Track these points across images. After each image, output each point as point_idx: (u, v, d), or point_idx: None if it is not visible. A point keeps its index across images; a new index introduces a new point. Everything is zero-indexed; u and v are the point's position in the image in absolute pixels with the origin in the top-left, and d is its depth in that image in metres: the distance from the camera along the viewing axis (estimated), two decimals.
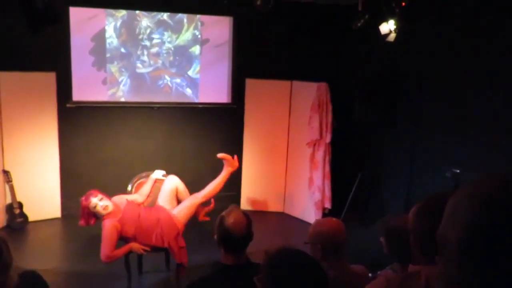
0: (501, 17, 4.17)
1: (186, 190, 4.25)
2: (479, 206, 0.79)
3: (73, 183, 5.88)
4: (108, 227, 3.71)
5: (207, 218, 4.26)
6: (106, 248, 3.65)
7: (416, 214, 1.46)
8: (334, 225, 2.37)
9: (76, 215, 3.84)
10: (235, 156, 4.42)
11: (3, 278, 1.83)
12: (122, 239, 3.82)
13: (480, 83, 4.38)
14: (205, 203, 4.24)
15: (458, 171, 4.14)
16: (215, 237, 2.29)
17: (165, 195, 4.12)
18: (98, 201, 3.77)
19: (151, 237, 3.85)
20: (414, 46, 5.15)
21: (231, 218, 2.25)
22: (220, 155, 4.36)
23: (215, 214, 2.52)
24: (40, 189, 5.57)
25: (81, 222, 3.84)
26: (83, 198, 3.83)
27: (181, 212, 4.03)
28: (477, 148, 4.36)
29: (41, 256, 4.70)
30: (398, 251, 2.28)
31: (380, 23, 5.14)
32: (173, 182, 4.18)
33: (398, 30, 5.07)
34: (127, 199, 4.00)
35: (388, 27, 5.12)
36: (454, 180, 4.08)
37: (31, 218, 5.47)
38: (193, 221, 4.22)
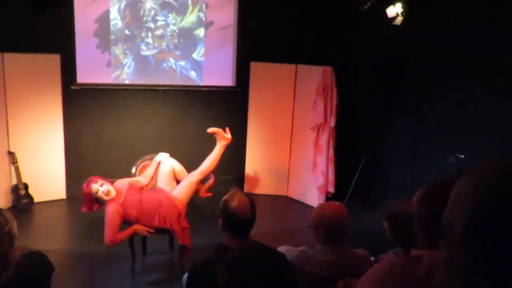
0: None
1: (183, 170, 4.25)
2: (483, 190, 0.79)
3: (77, 165, 5.91)
4: (110, 212, 3.73)
5: (209, 194, 4.29)
6: (109, 233, 3.68)
7: (420, 199, 1.46)
8: (337, 209, 2.38)
9: (81, 197, 3.86)
10: (227, 129, 4.37)
11: (6, 249, 1.85)
12: (125, 222, 3.84)
13: (486, 70, 4.34)
14: (204, 180, 4.25)
15: (462, 156, 4.13)
16: (220, 221, 2.30)
17: (163, 177, 4.13)
18: (99, 187, 3.78)
19: (153, 219, 3.87)
20: (421, 31, 5.10)
21: (235, 201, 2.26)
22: (210, 129, 4.32)
23: (218, 196, 2.52)
24: (45, 171, 5.60)
25: (84, 209, 3.85)
26: (84, 185, 3.82)
27: (180, 192, 4.03)
28: (482, 133, 4.34)
29: (46, 237, 4.75)
30: (401, 236, 2.29)
31: (387, 6, 5.08)
32: (168, 164, 4.19)
33: (405, 14, 5.01)
34: (129, 182, 4.02)
35: (395, 10, 5.06)
36: (458, 166, 4.07)
37: (37, 199, 5.52)
38: (196, 204, 4.24)
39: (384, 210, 2.42)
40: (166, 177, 4.12)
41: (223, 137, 4.31)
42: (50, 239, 4.73)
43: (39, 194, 5.54)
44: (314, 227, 2.35)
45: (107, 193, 3.79)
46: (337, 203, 2.51)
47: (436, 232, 0.88)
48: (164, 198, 3.95)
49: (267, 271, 1.53)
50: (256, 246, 1.62)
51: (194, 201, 4.23)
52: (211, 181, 4.27)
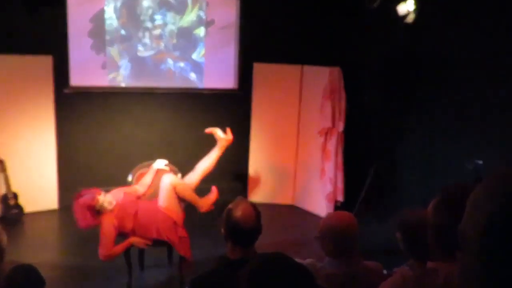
0: None
1: (185, 186, 4.13)
2: (501, 199, 0.79)
3: (70, 173, 5.92)
4: (105, 224, 3.72)
5: (211, 207, 4.24)
6: (104, 247, 3.67)
7: (435, 208, 1.46)
8: (346, 218, 2.38)
9: (75, 209, 3.85)
10: (228, 129, 4.34)
11: None
12: (121, 234, 3.84)
13: (505, 70, 4.33)
14: (198, 189, 4.20)
15: (480, 162, 4.11)
16: (222, 231, 2.30)
17: (162, 195, 4.04)
18: (104, 197, 3.78)
19: (151, 230, 3.86)
20: (434, 29, 5.09)
21: (239, 211, 2.26)
22: (208, 130, 4.29)
23: (219, 205, 2.53)
24: (36, 179, 5.61)
25: (87, 223, 3.72)
26: (87, 199, 3.74)
27: (165, 201, 3.96)
28: (501, 138, 4.33)
29: (37, 249, 4.74)
30: (415, 247, 2.27)
31: (398, 3, 5.09)
32: (167, 181, 4.01)
33: (417, 11, 5.01)
34: (125, 192, 4.01)
35: (406, 7, 5.07)
36: (476, 172, 4.06)
37: (27, 209, 5.52)
38: (195, 214, 4.23)
39: (397, 220, 2.41)
40: (165, 194, 4.04)
41: (222, 138, 4.30)
42: (41, 251, 4.72)
43: (29, 204, 5.54)
44: (322, 238, 2.34)
45: (110, 202, 3.79)
46: (346, 212, 2.51)
47: (452, 243, 0.87)
48: (158, 209, 3.95)
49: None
50: (280, 258, 1.59)
51: (193, 211, 4.22)
52: (213, 195, 4.21)
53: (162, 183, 4.08)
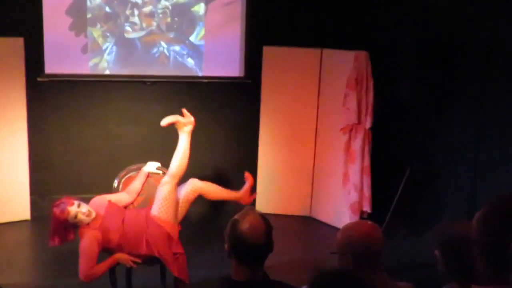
0: None
1: (211, 185, 4.30)
2: None
3: (45, 177, 5.95)
4: (86, 239, 3.73)
5: (254, 195, 4.44)
6: (84, 265, 3.67)
7: (483, 221, 1.46)
8: (367, 229, 2.37)
9: (49, 217, 3.88)
10: (183, 110, 4.31)
11: None
12: (105, 250, 3.85)
13: None
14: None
15: None
16: (226, 246, 2.31)
17: (160, 203, 4.05)
18: (78, 209, 3.78)
19: (139, 245, 3.87)
20: (484, 4, 5.06)
21: (246, 223, 2.26)
22: (164, 122, 4.26)
23: (219, 216, 2.54)
24: (5, 184, 5.64)
25: (54, 242, 3.80)
26: (56, 212, 3.76)
27: (159, 210, 3.98)
28: None
29: (5, 268, 4.76)
30: (457, 267, 2.27)
31: None
32: (166, 188, 4.06)
33: None
34: (109, 200, 4.03)
35: None
36: None
37: None
38: (192, 224, 4.24)
39: (435, 235, 2.40)
40: (163, 202, 4.01)
41: (184, 123, 4.29)
42: (10, 270, 4.75)
43: None
44: (340, 253, 2.34)
45: (89, 213, 3.80)
46: (368, 222, 2.50)
47: (502, 263, 0.87)
48: (147, 220, 3.96)
49: None
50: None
51: (189, 221, 4.24)
52: (249, 182, 4.37)
53: (159, 190, 4.08)
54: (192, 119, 4.32)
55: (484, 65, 5.07)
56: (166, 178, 4.15)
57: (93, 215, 3.81)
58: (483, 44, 5.10)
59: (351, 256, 2.29)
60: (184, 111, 4.32)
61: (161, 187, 4.11)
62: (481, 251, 1.45)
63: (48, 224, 3.90)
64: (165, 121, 4.28)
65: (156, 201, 4.07)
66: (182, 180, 4.28)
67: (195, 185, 4.24)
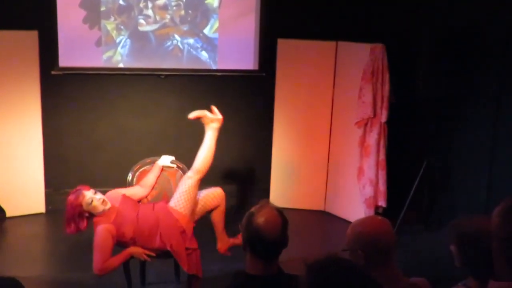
0: None
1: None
2: None
3: (59, 171, 6.00)
4: (100, 232, 3.75)
5: (228, 253, 4.25)
6: (98, 259, 3.70)
7: (502, 215, 1.45)
8: (377, 225, 2.37)
9: (63, 211, 3.91)
10: (212, 107, 4.30)
11: None
12: (119, 244, 3.87)
13: None
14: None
15: None
16: (241, 238, 2.32)
17: (181, 198, 4.06)
18: (93, 195, 3.82)
19: (154, 239, 3.89)
20: None
21: (261, 216, 2.28)
22: (191, 115, 4.26)
23: (241, 212, 2.53)
24: (20, 178, 5.69)
25: (69, 229, 3.85)
26: (71, 197, 3.82)
27: (178, 203, 4.00)
28: None
29: (21, 260, 4.82)
30: (474, 263, 2.26)
31: None
32: (187, 183, 4.08)
33: None
34: (123, 194, 4.05)
35: None
36: None
37: (9, 213, 5.63)
38: (204, 219, 4.24)
39: (452, 230, 2.39)
40: (184, 196, 4.02)
41: (211, 119, 4.29)
42: (25, 262, 4.80)
43: (12, 207, 5.65)
44: (351, 250, 2.33)
45: (104, 201, 3.83)
46: (378, 217, 2.50)
47: None
48: (162, 213, 3.98)
49: None
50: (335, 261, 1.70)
51: (206, 216, 4.24)
52: (237, 240, 4.09)
53: (183, 182, 4.08)
54: (220, 117, 4.30)
55: (502, 58, 5.02)
56: (189, 173, 4.15)
57: (108, 205, 3.84)
58: (502, 37, 5.04)
59: (362, 253, 2.29)
60: (213, 107, 4.32)
61: (184, 181, 4.13)
62: (500, 247, 1.44)
63: (63, 217, 3.92)
64: (192, 114, 4.29)
65: (176, 194, 4.09)
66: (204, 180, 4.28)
67: (218, 193, 4.21)
